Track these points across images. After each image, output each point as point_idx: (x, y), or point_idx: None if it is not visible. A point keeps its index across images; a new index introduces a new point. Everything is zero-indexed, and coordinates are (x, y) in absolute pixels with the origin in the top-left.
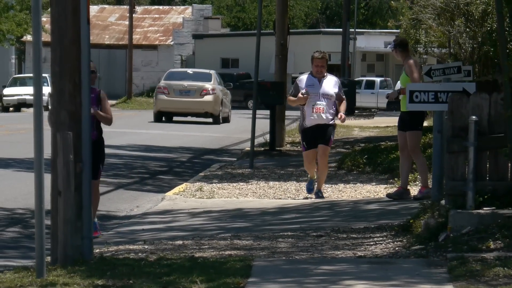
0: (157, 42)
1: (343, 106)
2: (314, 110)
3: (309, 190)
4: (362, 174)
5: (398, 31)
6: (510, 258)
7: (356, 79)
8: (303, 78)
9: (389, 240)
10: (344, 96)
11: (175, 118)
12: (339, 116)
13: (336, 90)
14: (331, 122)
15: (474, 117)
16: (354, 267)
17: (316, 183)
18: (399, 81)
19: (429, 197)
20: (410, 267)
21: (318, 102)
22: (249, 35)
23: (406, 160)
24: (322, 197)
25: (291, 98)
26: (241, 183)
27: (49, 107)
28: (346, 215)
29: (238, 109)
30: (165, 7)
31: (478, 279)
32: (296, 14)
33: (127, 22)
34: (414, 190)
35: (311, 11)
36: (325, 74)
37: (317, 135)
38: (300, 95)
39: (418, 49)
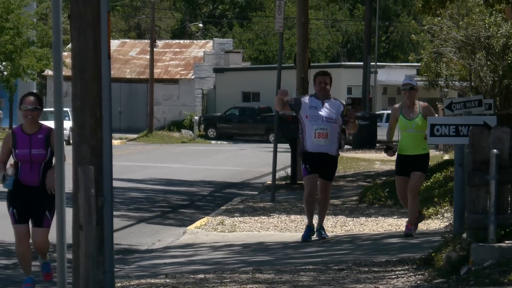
0: (178, 76)
1: (354, 123)
2: (316, 135)
3: (305, 237)
4: (383, 208)
5: (419, 64)
6: None
7: (377, 112)
8: (308, 98)
9: (411, 274)
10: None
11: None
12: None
13: (339, 115)
14: (334, 154)
15: (495, 150)
16: None
17: (315, 231)
18: (405, 124)
19: (411, 235)
20: None
21: (320, 127)
22: (270, 68)
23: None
24: (325, 234)
25: (282, 102)
26: (263, 217)
27: (70, 141)
28: (367, 249)
29: (260, 143)
30: (186, 41)
31: None
32: (319, 46)
33: (148, 56)
34: (435, 223)
35: (332, 44)
36: (330, 96)
37: (320, 164)
38: (281, 97)
39: (439, 82)
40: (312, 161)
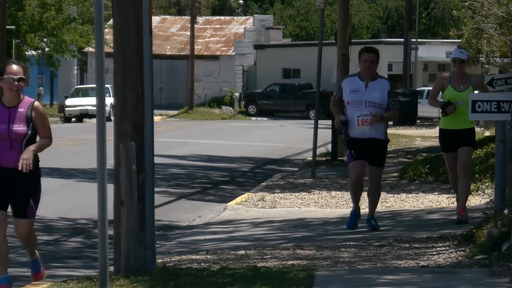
0: (218, 53)
1: (390, 113)
2: (360, 123)
3: (351, 225)
4: (424, 184)
5: (460, 40)
6: None
7: (418, 89)
8: (349, 80)
9: (452, 250)
10: (395, 107)
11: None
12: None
13: (386, 95)
14: (383, 138)
15: None
16: (417, 277)
17: (366, 221)
18: (453, 95)
19: (466, 221)
20: (473, 277)
21: (363, 113)
22: (311, 45)
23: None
24: (376, 225)
25: (334, 103)
26: (303, 193)
27: (112, 117)
28: (408, 225)
29: (300, 119)
30: (226, 17)
31: None
32: (360, 22)
33: (188, 33)
34: (476, 199)
35: (374, 18)
36: (376, 76)
37: (368, 149)
38: (336, 118)
39: (480, 59)
40: (357, 146)
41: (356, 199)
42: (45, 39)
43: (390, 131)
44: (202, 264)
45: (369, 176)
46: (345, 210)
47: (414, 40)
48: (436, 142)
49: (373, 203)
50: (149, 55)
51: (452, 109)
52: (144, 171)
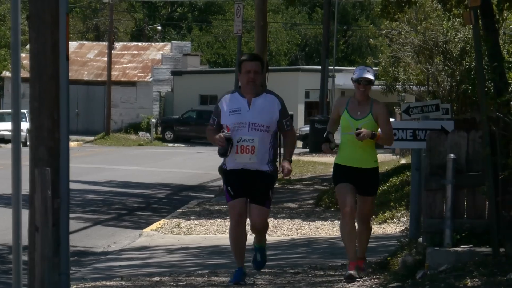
0: (135, 79)
1: (288, 147)
2: (239, 150)
3: (235, 281)
4: (340, 212)
5: (377, 68)
6: None
7: None
8: (227, 99)
9: (366, 278)
10: (290, 128)
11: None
12: (281, 168)
13: (276, 116)
14: (266, 169)
15: (452, 155)
16: None
17: (253, 249)
18: (349, 124)
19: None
20: None
21: (244, 138)
22: (228, 72)
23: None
24: (262, 262)
25: (211, 132)
26: (219, 220)
27: (28, 143)
28: (323, 252)
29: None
30: (144, 43)
31: None
32: (278, 49)
33: (106, 59)
34: (391, 227)
35: (291, 45)
36: (262, 90)
37: (249, 184)
38: (217, 136)
39: (397, 86)
40: (235, 181)
41: (239, 252)
42: None
43: (306, 158)
44: None
45: (252, 216)
46: None
47: (332, 67)
48: None
49: (260, 235)
50: (65, 80)
51: (327, 148)
52: (59, 196)
